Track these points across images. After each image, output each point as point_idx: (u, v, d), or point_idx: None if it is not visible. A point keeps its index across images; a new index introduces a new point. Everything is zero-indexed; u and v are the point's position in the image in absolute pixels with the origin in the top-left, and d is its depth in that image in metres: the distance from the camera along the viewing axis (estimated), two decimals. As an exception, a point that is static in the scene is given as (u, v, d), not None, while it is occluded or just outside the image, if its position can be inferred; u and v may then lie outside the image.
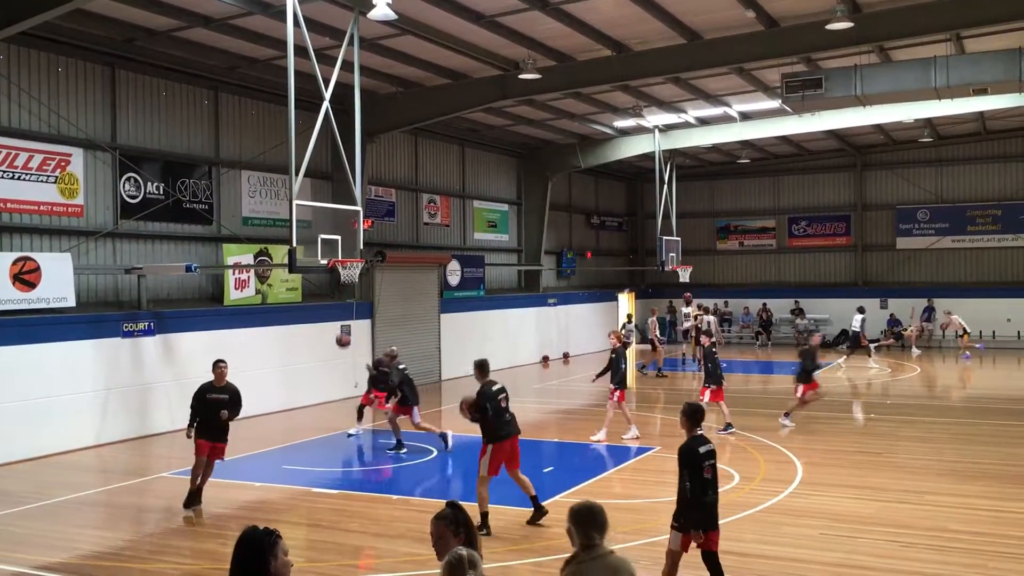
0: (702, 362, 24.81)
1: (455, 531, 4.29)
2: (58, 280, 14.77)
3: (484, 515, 9.54)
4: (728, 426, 15.53)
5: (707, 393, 15.81)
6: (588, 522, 4.52)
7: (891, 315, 31.59)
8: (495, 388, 9.99)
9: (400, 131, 22.58)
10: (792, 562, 8.68)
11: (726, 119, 25.59)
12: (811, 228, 34.40)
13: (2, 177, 14.57)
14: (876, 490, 11.42)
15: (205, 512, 10.99)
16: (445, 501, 4.82)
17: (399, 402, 14.29)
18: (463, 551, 3.96)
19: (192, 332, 16.99)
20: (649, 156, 27.41)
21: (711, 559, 7.17)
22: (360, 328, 20.91)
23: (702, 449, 7.19)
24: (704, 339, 17.67)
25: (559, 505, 11.01)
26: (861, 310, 27.64)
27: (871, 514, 10.28)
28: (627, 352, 25.70)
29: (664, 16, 16.05)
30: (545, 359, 28.92)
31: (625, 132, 27.25)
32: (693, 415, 7.34)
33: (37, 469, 13.60)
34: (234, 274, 18.33)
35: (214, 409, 11.02)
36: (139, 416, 16.00)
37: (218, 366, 11.30)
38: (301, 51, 13.11)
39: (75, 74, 15.89)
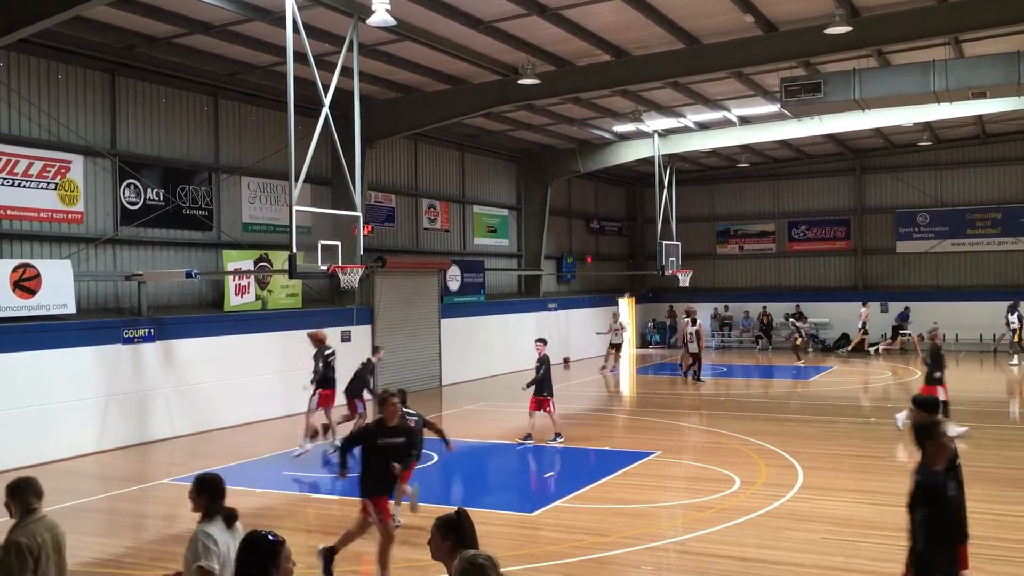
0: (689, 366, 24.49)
1: (443, 535, 4.34)
2: (58, 287, 14.78)
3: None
4: (528, 437, 15.30)
5: (551, 403, 15.37)
6: (27, 490, 5.35)
7: (905, 308, 31.19)
8: None
9: (400, 136, 22.60)
10: (794, 567, 8.66)
11: (725, 123, 25.62)
12: (811, 232, 34.39)
13: (2, 184, 14.59)
14: (878, 494, 11.39)
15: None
16: (454, 508, 4.83)
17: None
18: (481, 556, 3.90)
19: (192, 338, 17.01)
20: (648, 160, 27.44)
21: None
22: (360, 334, 20.90)
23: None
24: (539, 347, 15.63)
25: (559, 511, 11.02)
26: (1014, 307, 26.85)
27: (873, 518, 10.26)
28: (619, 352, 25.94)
29: (663, 21, 16.08)
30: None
31: (624, 137, 27.28)
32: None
33: (37, 476, 13.51)
34: (234, 280, 18.33)
35: (384, 456, 8.37)
36: (139, 423, 15.99)
37: (391, 402, 8.58)
38: (301, 57, 13.14)
39: (75, 81, 15.92)
